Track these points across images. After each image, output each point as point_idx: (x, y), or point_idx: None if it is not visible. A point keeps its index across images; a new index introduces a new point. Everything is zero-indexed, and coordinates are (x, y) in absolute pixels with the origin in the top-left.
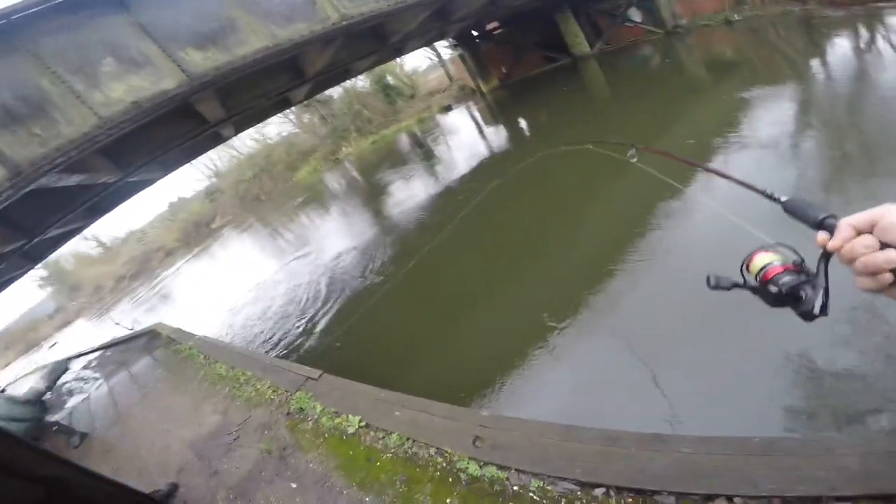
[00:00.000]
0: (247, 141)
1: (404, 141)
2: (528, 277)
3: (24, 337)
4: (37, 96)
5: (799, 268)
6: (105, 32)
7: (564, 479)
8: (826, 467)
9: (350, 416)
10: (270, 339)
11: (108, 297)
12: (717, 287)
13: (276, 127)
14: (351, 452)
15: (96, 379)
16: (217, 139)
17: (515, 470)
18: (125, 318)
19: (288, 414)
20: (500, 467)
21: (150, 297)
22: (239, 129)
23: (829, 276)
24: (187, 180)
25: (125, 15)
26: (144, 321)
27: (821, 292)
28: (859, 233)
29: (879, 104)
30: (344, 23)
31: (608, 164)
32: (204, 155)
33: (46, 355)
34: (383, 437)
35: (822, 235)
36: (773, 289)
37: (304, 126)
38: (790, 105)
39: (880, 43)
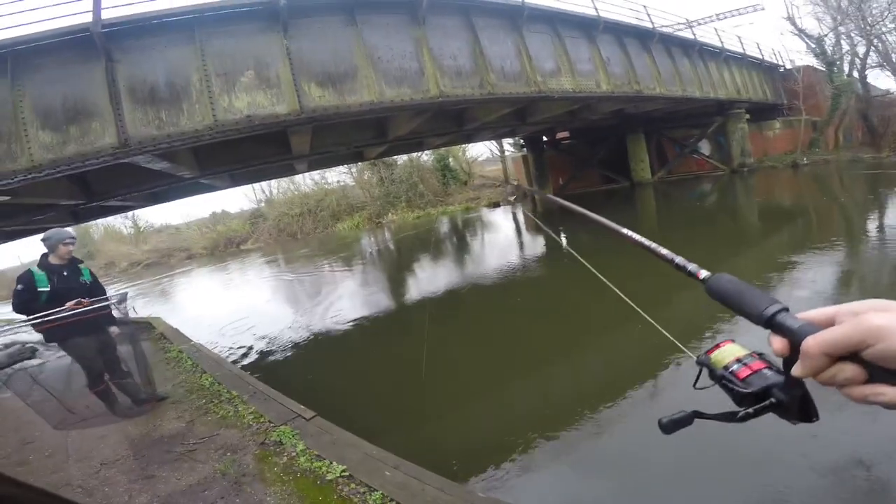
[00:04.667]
0: (307, 179)
1: (445, 225)
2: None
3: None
4: (181, 86)
5: (769, 363)
6: (258, 48)
7: None
8: None
9: (333, 463)
10: (261, 367)
11: (116, 275)
12: (674, 428)
13: (337, 175)
14: (321, 498)
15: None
16: (289, 170)
17: None
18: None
19: (262, 444)
20: None
21: (154, 289)
22: (311, 167)
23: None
24: (238, 197)
25: (280, 35)
26: (139, 311)
27: (797, 399)
28: (835, 358)
29: None
30: (440, 99)
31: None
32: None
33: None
34: (364, 493)
35: (777, 343)
36: (746, 390)
37: (361, 182)
38: (829, 282)
39: None
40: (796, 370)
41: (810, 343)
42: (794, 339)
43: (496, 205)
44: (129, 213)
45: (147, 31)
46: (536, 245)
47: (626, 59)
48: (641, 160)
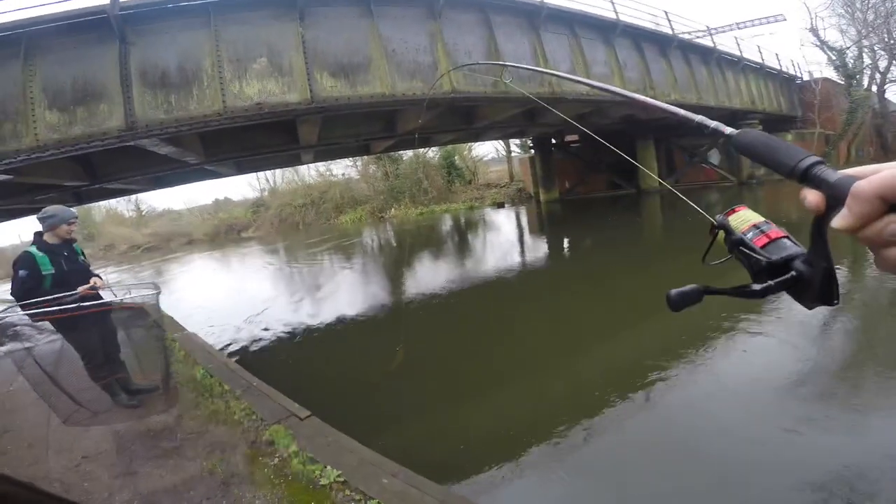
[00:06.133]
0: (312, 171)
1: (447, 223)
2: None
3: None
4: (192, 71)
5: (787, 233)
6: (273, 35)
7: None
8: None
9: (328, 468)
10: (252, 360)
11: (115, 257)
12: (682, 303)
13: (342, 168)
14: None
15: (52, 333)
16: (294, 160)
17: None
18: (116, 285)
19: (253, 443)
20: None
21: (152, 273)
22: (318, 158)
23: (830, 251)
24: (242, 185)
25: (296, 24)
26: (135, 295)
27: (821, 272)
28: (889, 204)
29: None
30: (452, 95)
31: None
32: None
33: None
34: (360, 500)
35: (812, 196)
36: (766, 259)
37: (366, 176)
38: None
39: None
40: (838, 221)
41: (863, 184)
42: (834, 191)
43: (500, 205)
44: (132, 197)
45: (163, 14)
46: (538, 247)
47: (642, 63)
48: (650, 167)
